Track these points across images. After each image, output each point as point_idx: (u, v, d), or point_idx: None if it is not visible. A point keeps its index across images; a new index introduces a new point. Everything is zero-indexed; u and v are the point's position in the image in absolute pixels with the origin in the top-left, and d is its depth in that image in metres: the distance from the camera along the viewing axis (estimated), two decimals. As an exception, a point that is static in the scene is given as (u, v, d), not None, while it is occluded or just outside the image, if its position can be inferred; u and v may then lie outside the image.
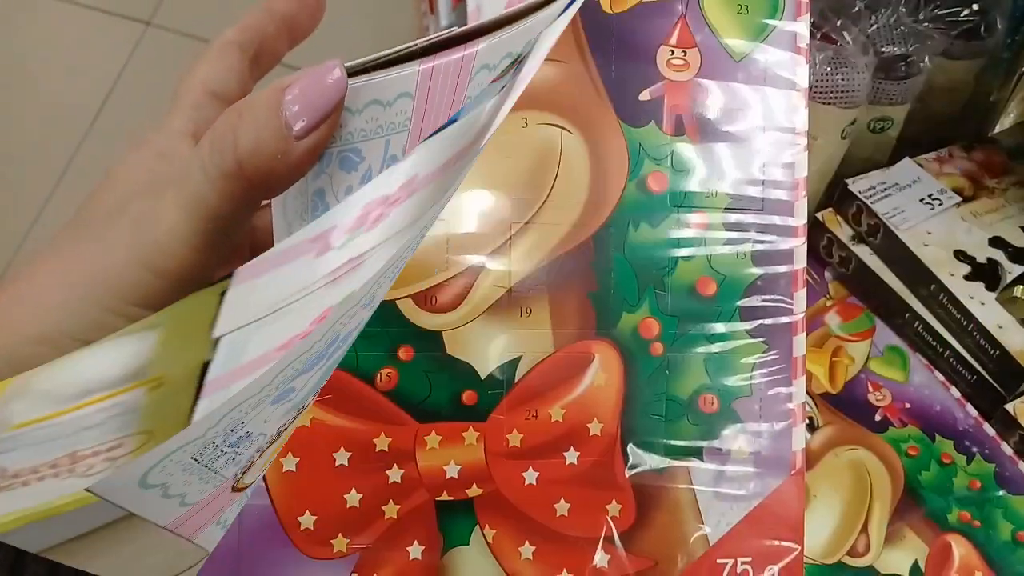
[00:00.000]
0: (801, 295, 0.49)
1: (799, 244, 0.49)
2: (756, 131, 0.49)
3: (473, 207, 0.46)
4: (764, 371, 0.48)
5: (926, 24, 0.88)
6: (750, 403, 0.48)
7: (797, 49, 0.49)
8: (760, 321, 0.48)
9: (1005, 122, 0.99)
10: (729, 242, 0.48)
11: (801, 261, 0.49)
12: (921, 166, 0.91)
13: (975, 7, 0.89)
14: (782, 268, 0.49)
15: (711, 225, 0.48)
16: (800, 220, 0.49)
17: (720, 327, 0.48)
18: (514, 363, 0.46)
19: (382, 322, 0.45)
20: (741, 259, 0.48)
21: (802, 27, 0.49)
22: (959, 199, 0.88)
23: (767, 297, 0.48)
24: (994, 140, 0.97)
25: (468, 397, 0.46)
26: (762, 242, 0.49)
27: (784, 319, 0.49)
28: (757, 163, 0.49)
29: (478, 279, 0.46)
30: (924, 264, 0.82)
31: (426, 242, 0.45)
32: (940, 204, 0.87)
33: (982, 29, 0.90)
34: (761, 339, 0.48)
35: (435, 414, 0.45)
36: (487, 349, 0.46)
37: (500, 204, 0.46)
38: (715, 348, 0.48)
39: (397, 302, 0.45)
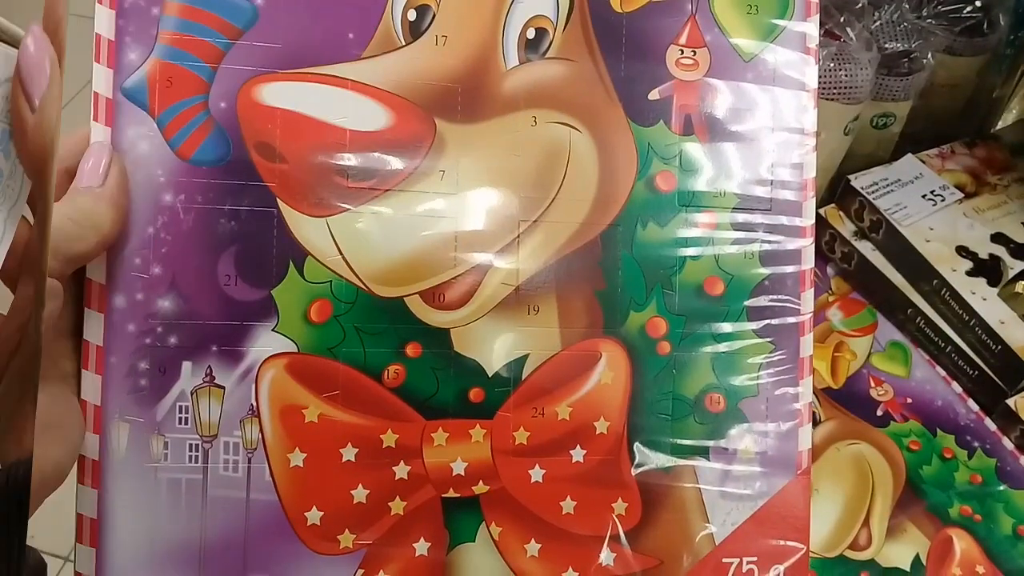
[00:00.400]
0: (808, 295, 0.49)
1: (807, 244, 0.49)
2: (765, 131, 0.49)
3: (481, 205, 0.46)
4: (771, 371, 0.48)
5: (929, 20, 0.87)
6: (756, 403, 0.48)
7: (806, 50, 0.49)
8: (767, 321, 0.48)
9: (1007, 118, 0.99)
10: (737, 242, 0.48)
11: (809, 261, 0.49)
12: (923, 162, 0.90)
13: (978, 3, 0.89)
14: (789, 268, 0.49)
15: (719, 225, 0.48)
16: (808, 220, 0.49)
17: (727, 327, 0.48)
18: (521, 361, 0.46)
19: (390, 319, 0.45)
20: (749, 259, 0.48)
21: (811, 27, 0.49)
22: (961, 195, 0.87)
23: (774, 297, 0.48)
24: (996, 136, 0.96)
25: (475, 394, 0.46)
26: (770, 242, 0.48)
27: (791, 319, 0.48)
28: (765, 163, 0.49)
29: (486, 277, 0.46)
30: (926, 260, 0.81)
31: (434, 239, 0.45)
32: (942, 200, 0.86)
33: (984, 26, 0.89)
34: (768, 339, 0.48)
35: (442, 411, 0.45)
36: (494, 347, 0.46)
37: (508, 202, 0.46)
38: (722, 348, 0.48)
39: (405, 299, 0.45)
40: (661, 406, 0.47)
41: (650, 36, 0.48)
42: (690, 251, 0.48)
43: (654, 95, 0.48)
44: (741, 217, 0.48)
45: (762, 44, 0.49)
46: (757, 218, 0.48)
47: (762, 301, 0.48)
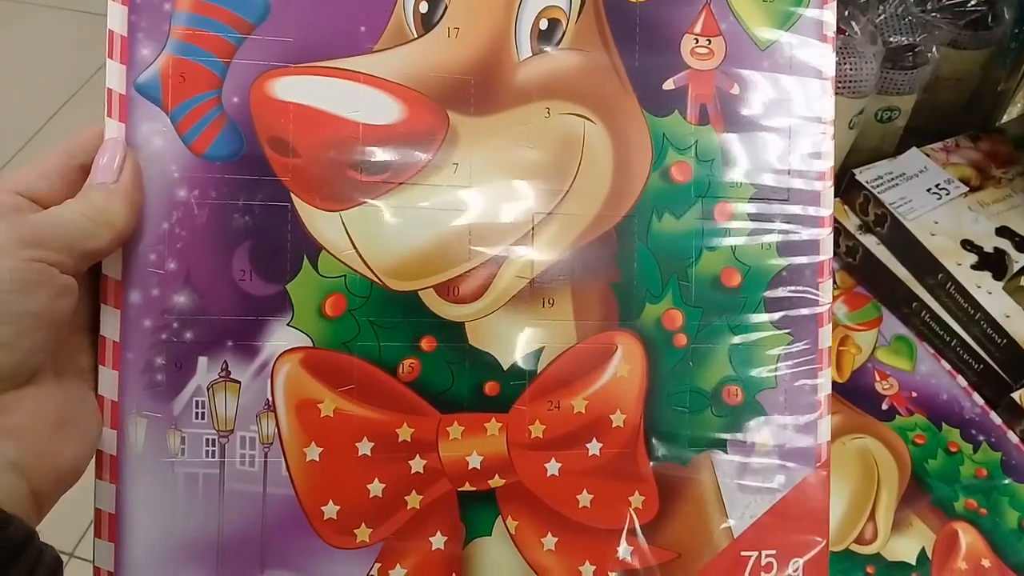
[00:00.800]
0: (827, 285, 0.47)
1: (825, 234, 0.47)
2: (781, 120, 0.47)
3: (495, 198, 0.44)
4: (789, 362, 0.47)
5: (934, 14, 0.86)
6: (775, 395, 0.47)
7: (823, 37, 0.48)
8: (785, 312, 0.47)
9: (1012, 112, 0.98)
10: (754, 232, 0.47)
11: (827, 251, 0.47)
12: (928, 156, 0.89)
13: (982, -4, 0.89)
14: (807, 258, 0.47)
15: (736, 215, 0.47)
16: (826, 210, 0.48)
17: (745, 318, 0.47)
18: (536, 354, 0.45)
19: (404, 313, 0.44)
20: (766, 249, 0.47)
21: (829, 15, 0.48)
22: (966, 189, 0.86)
23: (792, 288, 0.47)
24: (1000, 130, 0.95)
25: (490, 388, 0.45)
26: (787, 232, 0.47)
27: (810, 310, 0.47)
28: (782, 152, 0.47)
29: (500, 270, 0.44)
30: (931, 253, 0.80)
31: (448, 232, 0.44)
32: (947, 194, 0.85)
33: (989, 19, 0.88)
34: (786, 330, 0.47)
35: (457, 405, 0.44)
36: (509, 340, 0.45)
37: (522, 195, 0.45)
38: (739, 339, 0.47)
39: (419, 293, 0.44)
40: (678, 399, 0.46)
41: (664, 25, 0.46)
42: (706, 242, 0.46)
43: (669, 85, 0.46)
44: (758, 207, 0.47)
45: (778, 32, 0.47)
46: (774, 208, 0.47)
47: (780, 292, 0.47)
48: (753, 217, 0.47)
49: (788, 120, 0.48)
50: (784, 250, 0.47)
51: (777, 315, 0.47)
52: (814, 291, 0.47)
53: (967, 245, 0.82)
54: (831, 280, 0.47)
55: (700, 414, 0.46)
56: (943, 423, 0.76)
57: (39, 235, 0.37)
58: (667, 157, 0.46)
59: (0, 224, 0.37)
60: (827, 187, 0.48)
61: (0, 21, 2.11)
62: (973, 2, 0.87)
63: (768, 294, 0.47)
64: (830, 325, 0.47)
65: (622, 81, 0.46)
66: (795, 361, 0.47)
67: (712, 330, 0.47)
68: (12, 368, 0.36)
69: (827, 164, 0.48)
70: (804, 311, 0.47)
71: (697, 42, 0.47)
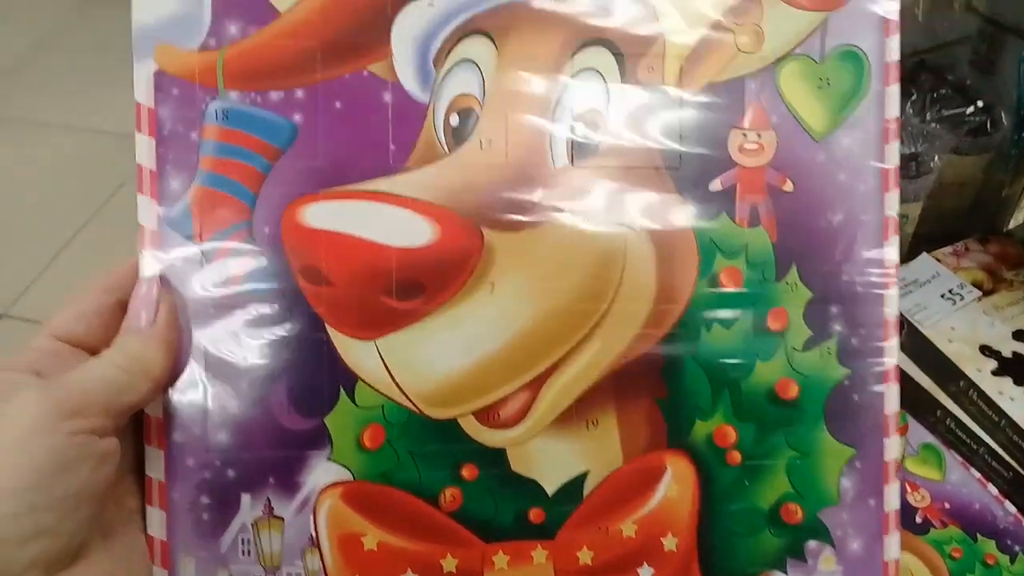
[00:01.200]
0: (893, 391, 0.44)
1: (891, 339, 0.44)
2: (840, 218, 0.44)
3: (534, 317, 0.42)
4: (853, 477, 0.44)
5: (934, 124, 0.87)
6: (838, 512, 0.44)
7: (885, 123, 0.44)
8: (847, 423, 0.44)
9: (1019, 216, 0.98)
10: (811, 340, 0.43)
11: (892, 356, 0.44)
12: (939, 261, 0.89)
13: (979, 105, 0.89)
14: (870, 365, 0.44)
15: (792, 322, 0.43)
16: (892, 312, 0.44)
17: (803, 432, 0.44)
18: (582, 478, 0.43)
19: (444, 441, 0.42)
20: (825, 357, 0.44)
21: (892, 95, 0.44)
22: (979, 293, 0.84)
23: (855, 397, 0.44)
24: (1008, 232, 0.97)
25: (535, 515, 0.43)
26: (848, 338, 0.44)
27: (874, 421, 0.44)
28: (842, 252, 0.44)
29: (541, 392, 0.42)
30: (951, 361, 0.78)
31: (486, 355, 0.42)
32: (961, 299, 0.84)
33: (988, 125, 0.90)
34: (849, 443, 0.44)
35: (502, 533, 0.42)
36: (553, 465, 0.43)
37: (562, 312, 0.42)
38: (798, 455, 0.43)
39: (459, 420, 0.42)
40: (733, 519, 0.43)
41: (709, 120, 0.43)
42: (759, 352, 0.43)
43: (715, 185, 0.43)
44: (816, 313, 0.43)
45: (835, 118, 0.44)
46: (833, 312, 0.44)
47: (841, 402, 0.44)
48: (810, 323, 0.44)
49: (847, 217, 0.44)
50: (845, 357, 0.44)
51: (838, 427, 0.44)
52: (878, 399, 0.44)
53: (985, 351, 0.81)
54: (897, 384, 0.44)
55: (757, 535, 0.44)
56: (978, 534, 0.74)
57: (75, 403, 0.37)
58: (715, 263, 0.43)
59: (35, 395, 0.36)
60: (891, 286, 0.44)
61: (6, 143, 2.10)
62: (971, 110, 0.88)
63: (828, 405, 0.44)
64: (896, 435, 0.44)
65: (665, 183, 0.43)
66: (859, 476, 0.44)
67: (768, 446, 0.44)
68: (58, 554, 0.36)
69: (891, 263, 0.44)
70: (867, 422, 0.44)
71: (746, 137, 0.43)
